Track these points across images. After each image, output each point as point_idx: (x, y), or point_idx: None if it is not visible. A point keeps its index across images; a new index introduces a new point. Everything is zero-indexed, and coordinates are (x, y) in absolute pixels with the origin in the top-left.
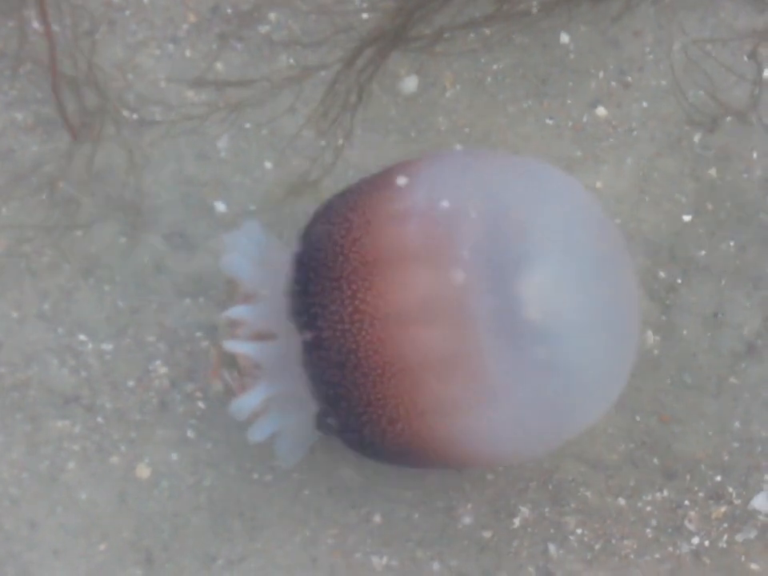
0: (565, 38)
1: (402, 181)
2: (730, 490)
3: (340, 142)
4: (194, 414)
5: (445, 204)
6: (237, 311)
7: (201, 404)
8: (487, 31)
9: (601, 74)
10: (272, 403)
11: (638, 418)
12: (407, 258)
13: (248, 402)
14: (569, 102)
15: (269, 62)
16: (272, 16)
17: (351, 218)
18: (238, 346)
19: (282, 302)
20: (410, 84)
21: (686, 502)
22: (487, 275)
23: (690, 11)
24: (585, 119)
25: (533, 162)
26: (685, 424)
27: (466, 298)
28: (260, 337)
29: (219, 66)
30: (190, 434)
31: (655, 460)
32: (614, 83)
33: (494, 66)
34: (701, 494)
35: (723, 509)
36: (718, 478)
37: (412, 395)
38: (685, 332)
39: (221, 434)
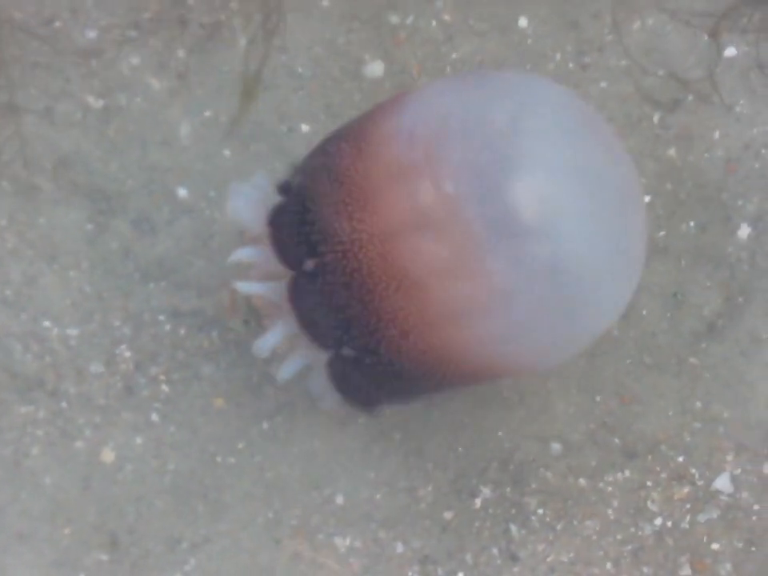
0: (523, 22)
1: (383, 112)
2: (693, 470)
3: (305, 128)
4: (158, 398)
5: (429, 122)
6: (245, 252)
7: (165, 387)
8: (447, 17)
9: (558, 56)
10: (296, 341)
11: (598, 399)
12: (398, 175)
13: (267, 342)
14: None
15: (231, 48)
16: (233, 3)
17: (343, 147)
18: (251, 287)
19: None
20: (376, 69)
21: (648, 483)
22: (477, 183)
23: None
24: None
25: (519, 74)
26: (646, 404)
27: (459, 206)
28: (271, 277)
29: (181, 52)
30: (154, 417)
31: (616, 440)
32: (571, 65)
33: (453, 55)
34: (663, 475)
35: (686, 489)
36: (680, 459)
37: (420, 305)
38: (645, 312)
39: (184, 418)
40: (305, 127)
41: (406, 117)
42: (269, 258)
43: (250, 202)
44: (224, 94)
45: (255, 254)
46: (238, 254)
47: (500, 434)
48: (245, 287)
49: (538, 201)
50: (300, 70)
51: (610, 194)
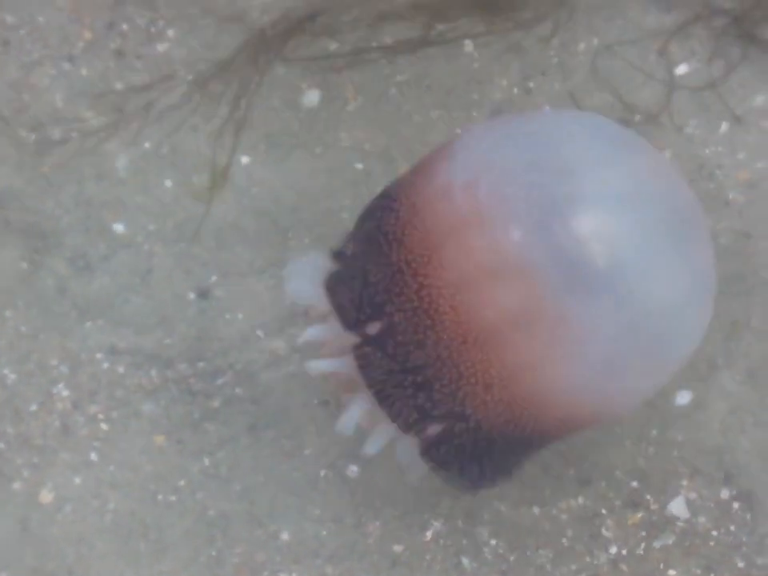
0: (469, 46)
1: (433, 165)
2: (647, 496)
3: (244, 160)
4: (97, 437)
5: (483, 170)
6: (314, 332)
7: (104, 426)
8: (389, 40)
9: (504, 82)
10: (379, 413)
11: None
12: (460, 227)
13: (349, 418)
14: (474, 114)
15: (167, 78)
16: (169, 32)
17: (396, 207)
18: (322, 365)
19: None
20: (312, 97)
21: (603, 510)
22: (543, 227)
23: (596, 12)
24: None
25: (560, 111)
26: (599, 430)
27: (528, 252)
28: (344, 351)
29: (117, 84)
30: (93, 456)
31: (569, 468)
32: (516, 90)
33: (398, 77)
34: (617, 502)
35: (640, 515)
36: (635, 485)
37: (499, 355)
38: None
39: (124, 456)
40: (245, 159)
41: (457, 167)
42: (338, 333)
43: (309, 279)
44: (163, 124)
45: (323, 331)
46: (306, 334)
47: None
48: (316, 366)
49: (606, 239)
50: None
51: (673, 220)
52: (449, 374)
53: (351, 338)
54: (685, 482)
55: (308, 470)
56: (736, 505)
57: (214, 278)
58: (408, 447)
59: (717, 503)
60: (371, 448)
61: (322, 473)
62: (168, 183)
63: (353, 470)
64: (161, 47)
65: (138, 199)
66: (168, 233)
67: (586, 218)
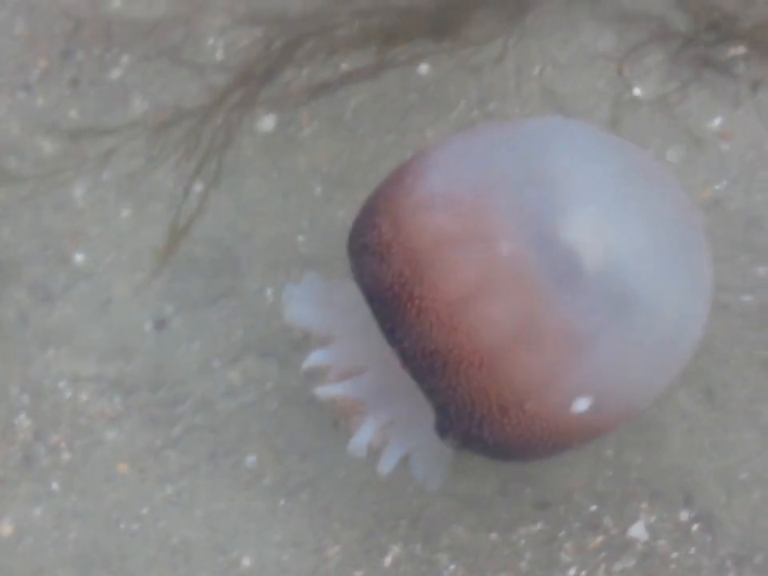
0: (424, 68)
1: (411, 176)
2: (606, 519)
3: (199, 187)
4: (59, 466)
5: (464, 183)
6: (318, 357)
7: (66, 455)
8: (344, 65)
9: (462, 103)
10: (389, 431)
11: None
12: (447, 242)
13: (362, 439)
14: (429, 134)
15: (123, 107)
16: (125, 59)
17: (378, 222)
18: (332, 390)
19: (358, 333)
20: (268, 123)
21: (561, 533)
22: (532, 236)
23: (551, 36)
24: None
25: (534, 118)
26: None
27: (520, 263)
28: (349, 375)
29: (73, 112)
30: (54, 486)
31: (527, 492)
32: (475, 112)
33: (353, 101)
34: (576, 525)
35: (600, 538)
36: (593, 508)
37: (508, 374)
38: None
39: (87, 485)
40: (198, 186)
41: (437, 180)
42: (342, 356)
43: (307, 304)
44: (121, 154)
45: (327, 355)
46: (310, 359)
47: (408, 490)
48: (326, 391)
49: (596, 243)
50: (192, 127)
51: (664, 220)
52: (462, 401)
53: (354, 360)
54: (644, 505)
55: (267, 497)
56: (695, 527)
57: (170, 309)
58: (422, 461)
59: (676, 525)
60: (386, 466)
61: (282, 501)
62: (125, 213)
63: (310, 494)
64: (115, 74)
65: (96, 229)
66: (126, 263)
67: (576, 225)
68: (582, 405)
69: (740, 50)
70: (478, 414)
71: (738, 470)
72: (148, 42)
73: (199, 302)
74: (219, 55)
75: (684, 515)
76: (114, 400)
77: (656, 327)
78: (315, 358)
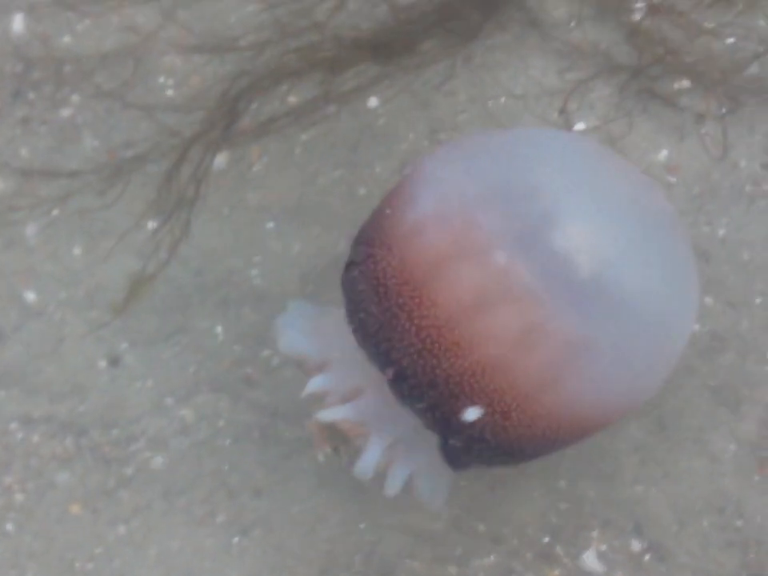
0: (373, 102)
1: (399, 199)
2: (559, 550)
3: (151, 225)
4: (13, 508)
5: (453, 199)
6: (316, 383)
7: (19, 496)
8: (293, 99)
9: (412, 137)
10: (392, 452)
11: (462, 483)
12: (441, 261)
13: (367, 461)
14: (379, 168)
15: (74, 146)
16: (75, 98)
17: (372, 252)
18: (331, 414)
19: (354, 356)
20: (220, 160)
21: (516, 566)
22: (524, 245)
23: (501, 70)
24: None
25: (509, 129)
26: (510, 487)
27: (515, 273)
28: (348, 397)
29: (24, 151)
30: (9, 527)
31: (481, 526)
32: (425, 143)
33: (303, 137)
34: (529, 557)
35: (556, 572)
36: (547, 540)
37: (510, 382)
38: None
39: (41, 526)
40: (151, 224)
41: (425, 200)
42: (340, 380)
43: (299, 331)
44: (72, 192)
45: (326, 380)
46: (310, 386)
47: (362, 526)
48: (328, 415)
49: (587, 248)
50: (148, 166)
51: (650, 223)
52: (465, 408)
53: (353, 383)
54: (595, 534)
55: (221, 535)
56: (647, 557)
57: (124, 346)
58: (426, 480)
59: (628, 555)
60: (392, 488)
61: (236, 539)
62: (77, 251)
63: (264, 531)
64: (66, 113)
65: (48, 267)
66: (79, 301)
67: (567, 232)
68: (471, 414)
69: (684, 83)
70: (481, 421)
71: (689, 499)
72: (98, 80)
73: (152, 338)
74: (170, 92)
75: (635, 545)
76: (65, 441)
77: (650, 325)
78: (315, 384)
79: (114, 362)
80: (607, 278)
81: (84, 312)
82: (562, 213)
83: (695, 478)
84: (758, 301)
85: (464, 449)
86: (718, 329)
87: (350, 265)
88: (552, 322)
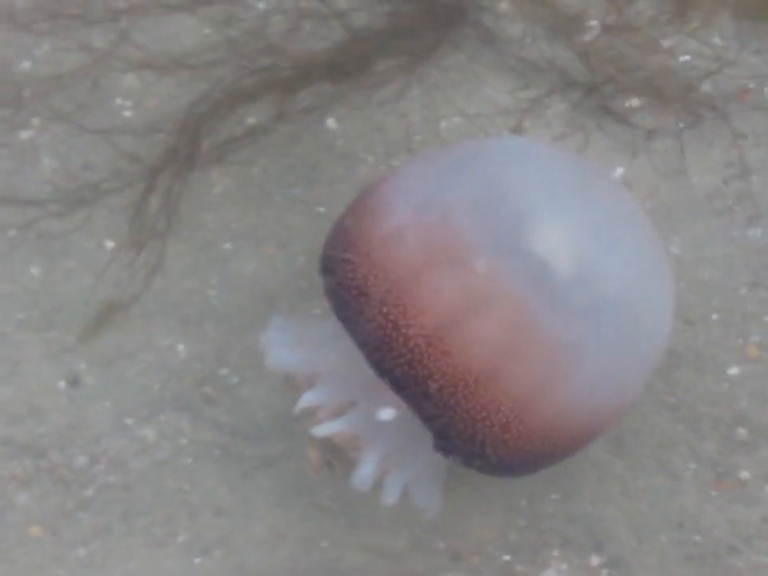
0: (331, 124)
1: (375, 208)
2: (519, 568)
3: (110, 245)
4: None
5: (430, 209)
6: (308, 398)
7: None
8: (251, 119)
9: (370, 158)
10: (387, 462)
11: None
12: (424, 268)
13: (365, 472)
14: (338, 187)
15: (33, 168)
16: (35, 121)
17: (350, 259)
18: (326, 428)
19: (342, 368)
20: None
21: None
22: (504, 251)
23: (455, 89)
24: None
25: (482, 139)
26: (470, 505)
27: (497, 279)
28: (341, 410)
29: None
30: None
31: (442, 543)
32: (381, 166)
33: (262, 158)
34: (489, 575)
35: None
36: (507, 558)
37: (505, 390)
38: None
39: (0, 548)
40: (109, 243)
41: (402, 208)
42: (332, 393)
43: (285, 346)
44: (30, 213)
45: (318, 395)
46: (303, 401)
47: (324, 544)
48: (323, 430)
49: (565, 250)
50: (103, 186)
51: (622, 219)
52: (462, 421)
53: (344, 395)
54: (555, 552)
55: (182, 556)
56: (605, 572)
57: (82, 366)
58: (421, 488)
59: (588, 572)
60: (390, 497)
61: (197, 559)
62: (36, 271)
63: (225, 551)
64: (25, 135)
65: (5, 288)
66: (36, 321)
67: (544, 235)
68: (386, 415)
69: (635, 101)
70: (479, 434)
71: (647, 516)
72: (57, 103)
73: (112, 358)
74: (128, 113)
75: (595, 561)
76: (24, 462)
77: (633, 322)
78: (307, 399)
79: (73, 382)
80: (587, 278)
81: (42, 333)
82: (538, 216)
83: (654, 496)
84: (714, 317)
85: (464, 463)
86: (676, 346)
87: (324, 273)
88: (537, 324)
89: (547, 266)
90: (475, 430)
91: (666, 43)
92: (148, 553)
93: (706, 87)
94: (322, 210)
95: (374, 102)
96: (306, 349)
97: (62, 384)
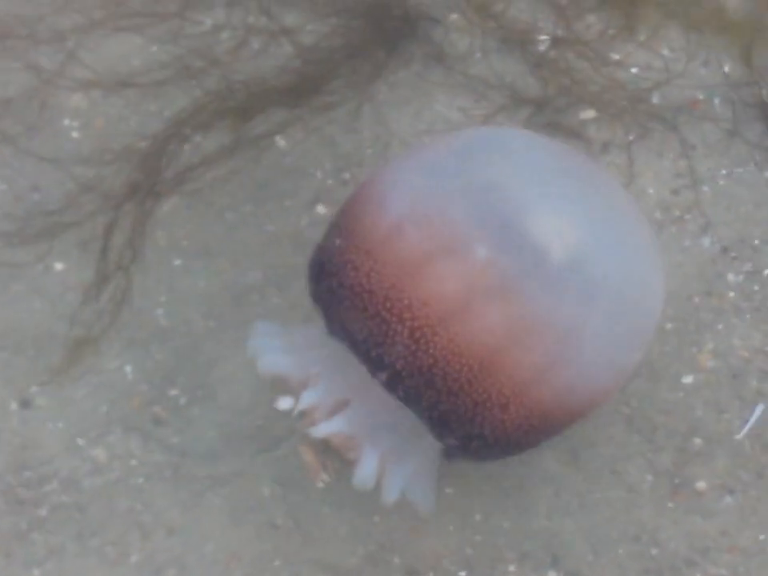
0: (281, 142)
1: (370, 205)
2: None
3: (59, 267)
4: None
5: (428, 201)
6: (305, 400)
7: None
8: (198, 138)
9: (319, 174)
10: (385, 460)
11: (376, 519)
12: (425, 261)
13: (367, 470)
14: (287, 203)
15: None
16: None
17: (350, 259)
18: (325, 428)
19: (334, 368)
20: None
21: None
22: (500, 239)
23: (405, 105)
24: (304, 221)
25: (468, 129)
26: (425, 521)
27: (498, 266)
28: (335, 410)
29: None
30: None
31: (396, 559)
32: (330, 181)
33: (210, 176)
34: None
35: None
36: (463, 573)
37: (506, 374)
38: None
39: None
40: (59, 265)
41: (399, 204)
42: (325, 394)
43: (277, 351)
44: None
45: (312, 395)
46: (302, 401)
47: (276, 563)
48: (320, 431)
49: (560, 234)
50: (52, 207)
51: (609, 202)
52: (464, 405)
53: (338, 395)
54: (512, 568)
55: (135, 574)
56: None
57: (34, 388)
58: (417, 484)
59: None
60: (390, 496)
61: None
62: None
63: (178, 571)
64: None
65: None
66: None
67: (540, 221)
68: (284, 403)
69: (589, 113)
70: (479, 416)
71: (604, 529)
72: (4, 124)
73: (62, 380)
74: (75, 134)
75: (552, 575)
76: None
77: (627, 303)
78: (306, 400)
79: (25, 403)
80: (583, 260)
81: None
82: (532, 203)
83: (610, 509)
84: (668, 326)
85: (461, 447)
86: None
87: (319, 277)
88: (536, 308)
89: (545, 253)
90: (475, 413)
91: (616, 56)
92: (101, 573)
93: (656, 99)
94: (271, 228)
95: (323, 121)
96: (295, 352)
97: (13, 405)
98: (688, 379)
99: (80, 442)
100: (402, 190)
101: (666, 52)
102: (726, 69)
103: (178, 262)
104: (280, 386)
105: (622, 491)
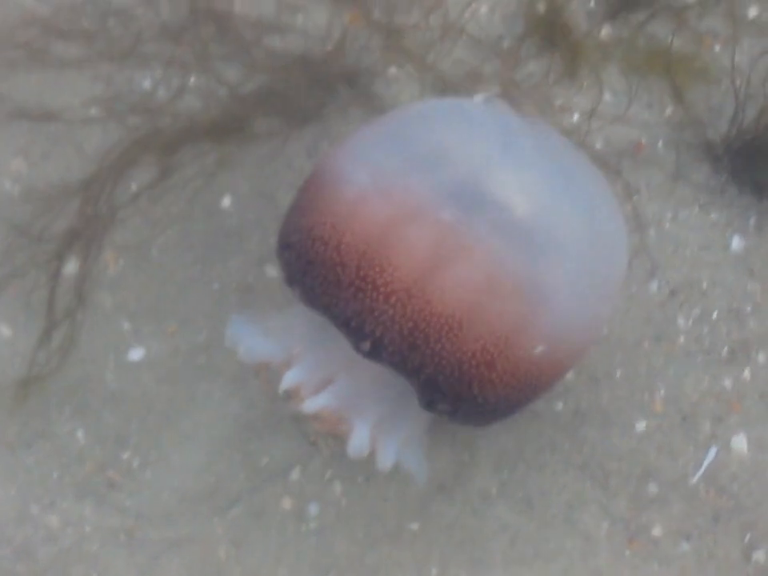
0: (226, 202)
1: (330, 180)
2: None
3: (7, 332)
4: None
5: (386, 169)
6: (289, 379)
7: None
8: (133, 185)
9: (259, 232)
10: (376, 430)
11: (330, 575)
12: (391, 226)
13: (360, 440)
14: (230, 264)
15: None
16: None
17: (318, 235)
18: (313, 404)
19: (315, 346)
20: (70, 268)
21: None
22: (465, 199)
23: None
24: (251, 279)
25: (421, 102)
26: (382, 571)
27: (462, 227)
28: (322, 386)
29: None
30: None
31: None
32: (272, 239)
33: (159, 239)
34: None
35: None
36: None
37: (486, 329)
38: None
39: None
40: (6, 330)
41: (359, 175)
42: (311, 370)
43: (255, 336)
44: None
45: (299, 373)
46: (286, 381)
47: None
48: (311, 405)
49: (521, 192)
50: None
51: (565, 159)
52: (449, 365)
53: (322, 372)
54: None
55: None
56: None
57: None
58: (412, 453)
59: None
60: (385, 463)
61: None
62: None
63: None
64: None
65: None
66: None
67: (500, 180)
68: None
69: None
70: (467, 375)
71: None
72: None
73: (14, 445)
74: (15, 191)
75: None
76: None
77: (595, 251)
78: (290, 378)
79: None
80: (548, 212)
81: None
82: (492, 160)
83: (567, 557)
84: (618, 373)
85: (453, 411)
86: (581, 404)
87: (289, 260)
88: (507, 261)
89: (507, 211)
90: (462, 372)
91: (558, 102)
92: None
93: (599, 144)
94: (216, 286)
95: (264, 176)
96: (274, 336)
97: None
98: (641, 425)
99: (33, 509)
100: (360, 162)
101: (607, 96)
102: (668, 111)
103: (125, 325)
104: (264, 373)
105: (578, 539)
